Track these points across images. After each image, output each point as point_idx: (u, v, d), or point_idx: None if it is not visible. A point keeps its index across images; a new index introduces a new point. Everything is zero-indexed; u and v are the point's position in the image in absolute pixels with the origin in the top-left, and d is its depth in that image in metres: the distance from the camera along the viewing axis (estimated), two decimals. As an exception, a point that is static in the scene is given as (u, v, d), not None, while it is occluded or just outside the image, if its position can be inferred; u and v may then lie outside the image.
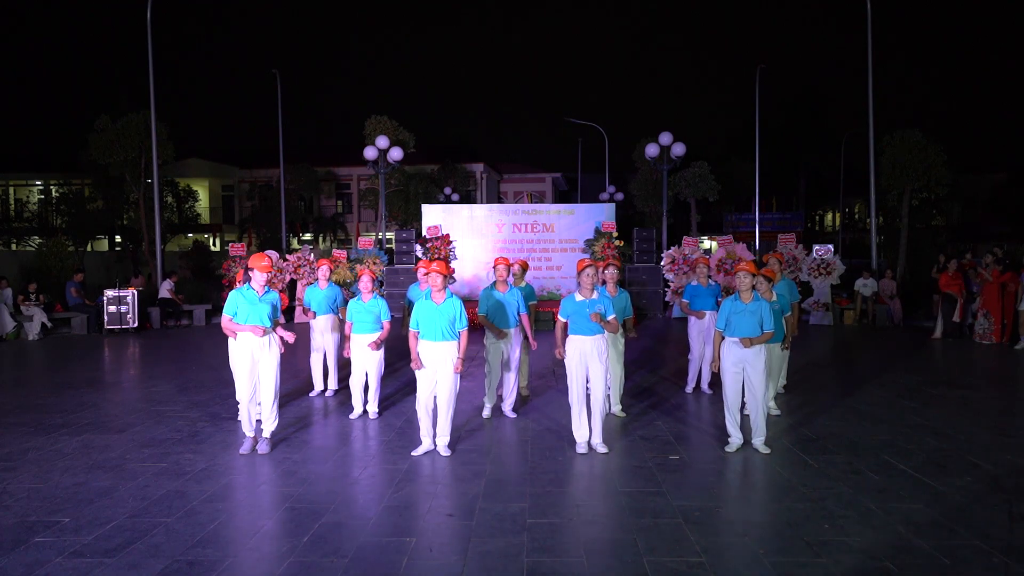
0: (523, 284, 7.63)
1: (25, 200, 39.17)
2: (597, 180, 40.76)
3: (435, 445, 5.88)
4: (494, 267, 7.01)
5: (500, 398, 7.28)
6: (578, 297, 5.79)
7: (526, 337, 7.65)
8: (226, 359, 6.16)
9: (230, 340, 6.01)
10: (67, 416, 7.24)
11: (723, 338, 5.91)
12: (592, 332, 5.74)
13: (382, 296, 7.36)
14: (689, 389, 8.19)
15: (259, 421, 6.07)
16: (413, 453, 5.81)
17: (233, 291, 5.98)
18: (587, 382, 5.84)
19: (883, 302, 15.74)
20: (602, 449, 5.82)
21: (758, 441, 5.84)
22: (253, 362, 5.85)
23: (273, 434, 6.08)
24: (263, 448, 5.91)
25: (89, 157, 24.76)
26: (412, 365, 5.81)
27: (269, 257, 6.08)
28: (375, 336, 7.04)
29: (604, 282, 7.00)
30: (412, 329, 5.81)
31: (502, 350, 6.97)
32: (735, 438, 5.88)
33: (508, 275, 6.99)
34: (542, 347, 10.46)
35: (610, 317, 5.78)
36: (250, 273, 5.90)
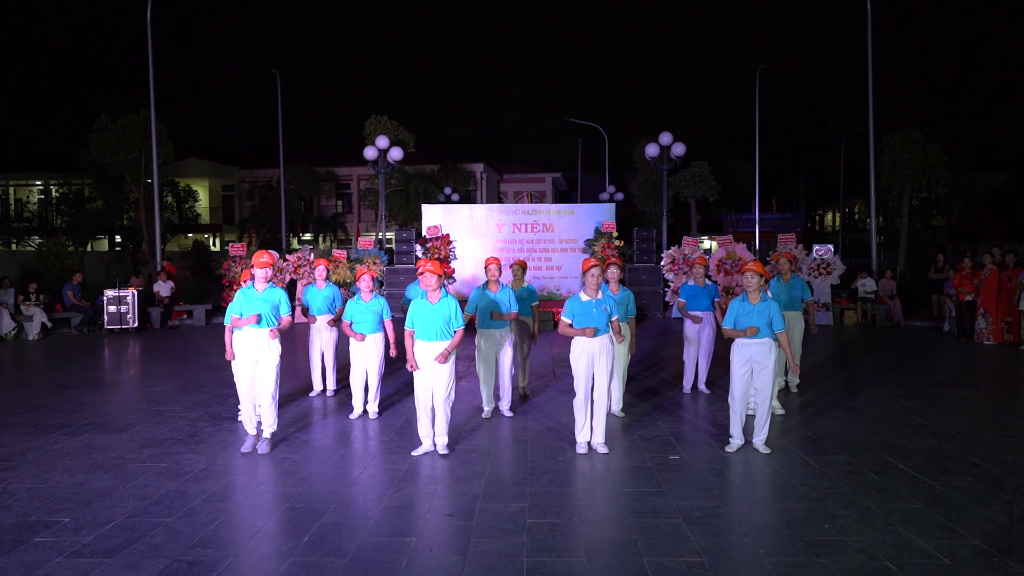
0: (525, 284, 7.63)
1: (25, 200, 39.19)
2: (597, 180, 40.75)
3: (435, 445, 5.88)
4: (485, 267, 7.02)
5: (498, 398, 7.29)
6: (584, 297, 5.75)
7: (530, 336, 7.67)
8: (226, 359, 6.20)
9: (234, 336, 5.99)
10: (67, 416, 7.24)
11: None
12: (599, 332, 5.72)
13: (382, 296, 7.37)
14: (686, 389, 8.20)
15: (259, 421, 6.08)
16: (413, 453, 5.81)
17: (239, 291, 6.02)
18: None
19: (883, 302, 15.75)
20: (603, 449, 5.81)
21: (759, 440, 5.83)
22: (253, 361, 5.86)
23: (273, 434, 6.08)
24: (263, 448, 5.91)
25: (89, 157, 24.79)
26: (408, 366, 5.81)
27: (269, 253, 6.07)
28: (376, 336, 7.06)
29: (606, 281, 6.99)
30: (408, 328, 5.81)
31: (489, 347, 6.97)
32: (736, 439, 5.87)
33: (499, 275, 7.01)
34: (541, 347, 10.46)
35: (613, 319, 5.78)
36: (252, 271, 5.96)
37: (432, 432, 5.85)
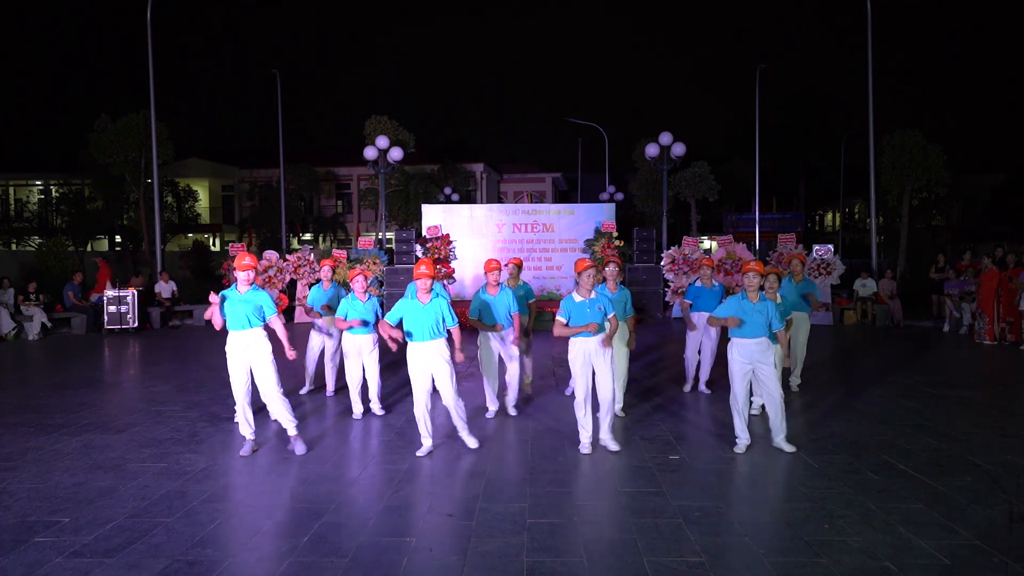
0: (520, 283, 7.63)
1: (25, 200, 39.21)
2: (597, 180, 40.73)
3: (432, 447, 5.89)
4: (486, 272, 7.03)
5: (502, 397, 7.31)
6: (577, 297, 5.76)
7: (525, 335, 7.69)
8: (226, 359, 6.21)
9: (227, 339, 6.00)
10: (67, 416, 7.24)
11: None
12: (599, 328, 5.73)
13: (377, 295, 7.44)
14: (687, 388, 8.20)
15: (275, 422, 6.09)
16: (418, 453, 5.81)
17: (221, 292, 6.01)
18: (593, 380, 5.85)
19: (883, 302, 15.74)
20: (613, 447, 5.81)
21: (780, 439, 5.80)
22: (244, 361, 5.85)
23: (298, 429, 6.00)
24: (300, 449, 5.85)
25: (89, 157, 24.82)
26: (383, 331, 5.79)
27: (251, 256, 6.06)
28: (370, 336, 7.10)
29: (604, 279, 7.00)
30: (387, 320, 5.77)
31: (492, 347, 6.99)
32: (743, 439, 5.84)
33: (499, 278, 7.03)
34: (541, 347, 10.46)
35: (610, 315, 5.79)
36: (235, 274, 5.99)
37: (432, 431, 5.89)
